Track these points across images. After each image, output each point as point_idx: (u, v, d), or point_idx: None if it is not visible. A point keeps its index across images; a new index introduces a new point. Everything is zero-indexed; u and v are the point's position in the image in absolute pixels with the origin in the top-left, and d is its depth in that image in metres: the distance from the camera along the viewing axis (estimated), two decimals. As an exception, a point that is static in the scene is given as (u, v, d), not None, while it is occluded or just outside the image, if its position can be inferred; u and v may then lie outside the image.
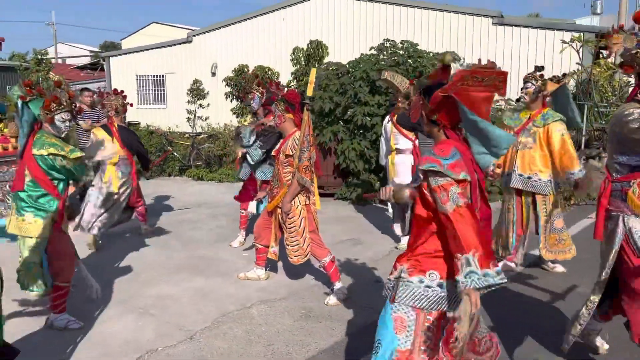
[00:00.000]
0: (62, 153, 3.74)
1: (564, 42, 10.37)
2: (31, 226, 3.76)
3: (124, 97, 6.10)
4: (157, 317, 4.15)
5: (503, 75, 2.29)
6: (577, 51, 10.47)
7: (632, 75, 2.96)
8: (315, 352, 3.56)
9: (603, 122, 9.63)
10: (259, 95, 5.78)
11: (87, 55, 36.18)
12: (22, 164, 3.84)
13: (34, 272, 3.75)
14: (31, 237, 3.76)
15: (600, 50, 10.09)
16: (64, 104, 3.91)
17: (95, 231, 5.79)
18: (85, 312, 4.14)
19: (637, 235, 2.89)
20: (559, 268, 5.14)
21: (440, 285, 2.39)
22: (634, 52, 2.81)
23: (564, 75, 4.77)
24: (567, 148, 4.65)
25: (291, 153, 4.43)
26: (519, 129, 4.89)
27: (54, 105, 3.83)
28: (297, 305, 4.35)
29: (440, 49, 11.10)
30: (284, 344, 3.68)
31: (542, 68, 4.82)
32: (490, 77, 2.28)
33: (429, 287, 2.40)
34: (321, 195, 8.63)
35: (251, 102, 5.83)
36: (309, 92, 4.55)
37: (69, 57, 36.08)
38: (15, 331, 3.77)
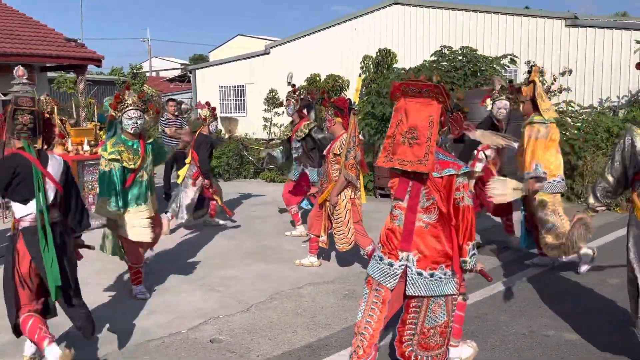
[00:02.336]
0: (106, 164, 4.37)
1: (638, 42, 10.09)
2: None
3: (213, 109, 6.98)
4: (221, 292, 4.85)
5: (438, 89, 2.66)
6: (652, 51, 10.12)
7: None
8: (351, 324, 4.04)
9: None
10: (294, 102, 6.36)
11: (177, 68, 38.92)
12: None
13: (112, 239, 4.58)
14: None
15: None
16: (129, 103, 4.37)
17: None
18: (165, 286, 4.95)
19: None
20: (580, 268, 4.95)
21: (380, 258, 2.87)
22: None
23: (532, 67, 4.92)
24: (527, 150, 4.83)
25: (339, 152, 4.98)
26: None
27: (119, 104, 4.37)
28: (342, 287, 4.88)
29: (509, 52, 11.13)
30: (325, 317, 4.23)
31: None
32: (427, 89, 2.67)
33: (374, 257, 2.94)
34: (381, 195, 9.18)
35: (287, 108, 6.39)
36: (355, 98, 5.11)
37: (161, 69, 39.03)
38: (110, 300, 4.63)
